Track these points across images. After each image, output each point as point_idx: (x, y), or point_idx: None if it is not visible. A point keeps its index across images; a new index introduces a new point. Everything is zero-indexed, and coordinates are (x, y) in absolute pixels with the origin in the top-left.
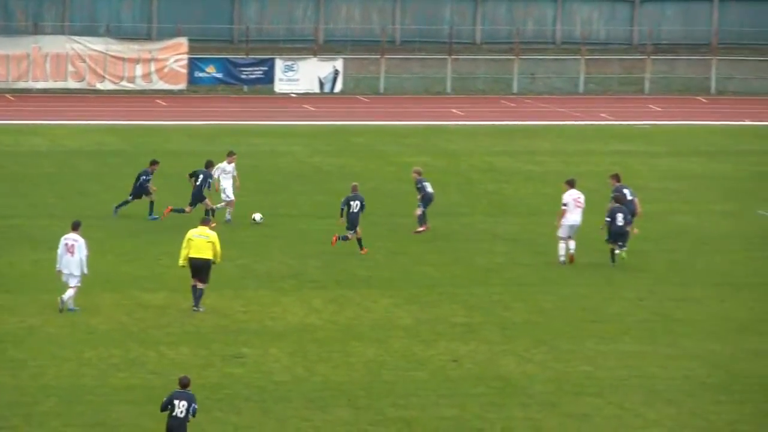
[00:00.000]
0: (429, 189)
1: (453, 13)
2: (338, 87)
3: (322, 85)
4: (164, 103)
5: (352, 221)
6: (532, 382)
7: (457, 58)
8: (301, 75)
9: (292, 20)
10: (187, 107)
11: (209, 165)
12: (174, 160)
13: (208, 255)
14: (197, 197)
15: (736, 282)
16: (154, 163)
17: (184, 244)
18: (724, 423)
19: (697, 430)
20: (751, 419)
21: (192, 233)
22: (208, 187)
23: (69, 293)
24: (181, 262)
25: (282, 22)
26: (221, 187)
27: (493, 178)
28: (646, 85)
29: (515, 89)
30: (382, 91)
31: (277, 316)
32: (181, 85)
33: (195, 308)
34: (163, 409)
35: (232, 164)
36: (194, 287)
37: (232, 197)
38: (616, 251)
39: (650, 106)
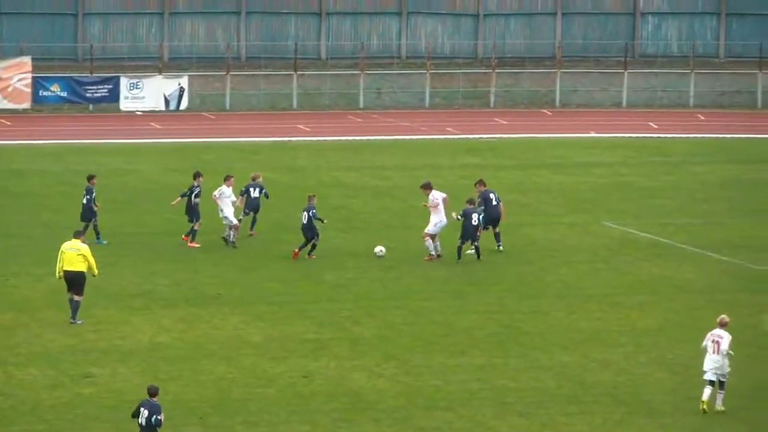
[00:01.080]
0: (253, 194)
1: (298, 28)
2: (184, 104)
3: (167, 102)
4: (8, 123)
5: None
6: (383, 397)
7: (303, 74)
8: (146, 93)
9: (137, 38)
10: (31, 126)
11: (197, 176)
12: (19, 180)
13: (80, 267)
14: (193, 210)
15: (583, 293)
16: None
17: (59, 257)
18: None
19: None
20: (601, 429)
21: (65, 246)
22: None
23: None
24: (57, 275)
25: (126, 39)
26: (220, 212)
27: (340, 194)
28: (492, 98)
29: (361, 104)
30: (228, 107)
31: (127, 335)
32: (26, 105)
33: (72, 321)
34: (133, 416)
35: (230, 188)
36: (71, 300)
37: (235, 221)
38: (469, 251)
39: (496, 119)
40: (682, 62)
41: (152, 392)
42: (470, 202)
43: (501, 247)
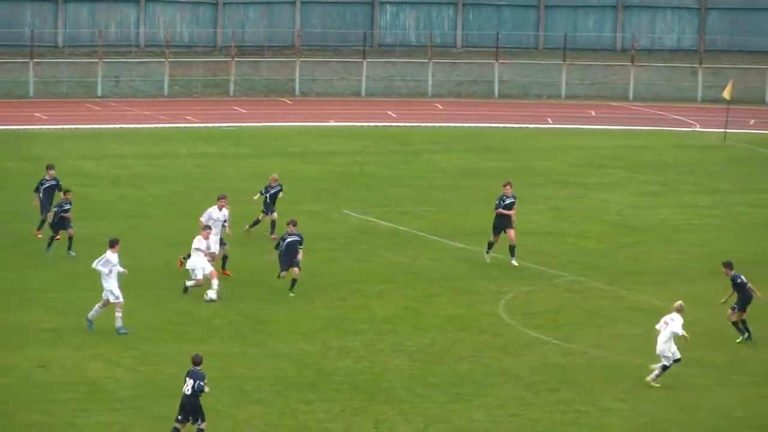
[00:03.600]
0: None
1: (34, 16)
2: None
3: None
4: None
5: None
6: (120, 386)
7: (40, 62)
8: None
9: None
10: None
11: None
12: None
13: None
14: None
15: (323, 282)
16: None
17: None
18: (315, 421)
19: (288, 430)
20: (340, 417)
21: None
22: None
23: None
24: None
25: None
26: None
27: (79, 182)
28: (231, 87)
29: (100, 92)
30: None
31: None
32: None
33: None
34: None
35: (224, 210)
36: None
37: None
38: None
39: (235, 108)
40: (420, 52)
41: (197, 361)
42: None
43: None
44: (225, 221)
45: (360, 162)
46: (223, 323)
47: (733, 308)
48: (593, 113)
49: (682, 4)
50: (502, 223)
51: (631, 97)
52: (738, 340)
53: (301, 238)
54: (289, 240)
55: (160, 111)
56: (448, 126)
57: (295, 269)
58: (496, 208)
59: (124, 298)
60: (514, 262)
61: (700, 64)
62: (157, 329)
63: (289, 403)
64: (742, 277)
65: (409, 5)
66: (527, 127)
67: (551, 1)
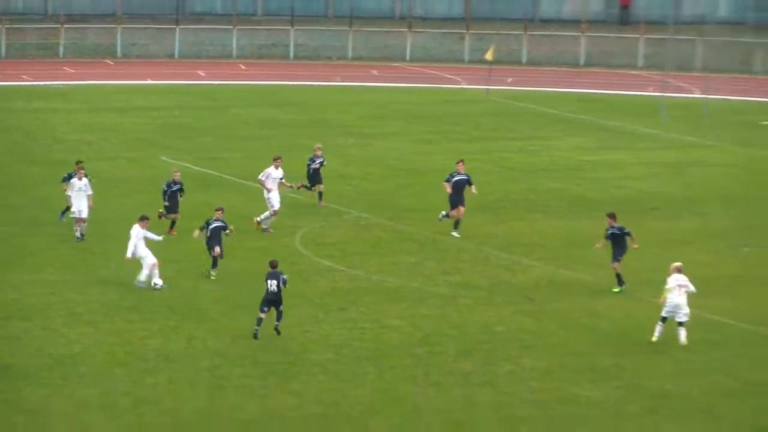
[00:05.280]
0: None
1: None
2: None
3: None
4: None
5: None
6: None
7: None
8: None
9: None
10: None
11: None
12: None
13: None
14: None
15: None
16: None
17: None
18: (137, 338)
19: (113, 345)
20: (158, 334)
21: None
22: None
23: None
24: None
25: None
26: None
27: None
28: (61, 50)
29: None
30: None
31: None
32: None
33: None
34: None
35: (279, 169)
36: None
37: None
38: None
39: (65, 68)
40: (225, 20)
41: (274, 265)
42: None
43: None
44: (281, 178)
45: (174, 115)
46: (58, 254)
47: (617, 260)
48: (376, 73)
49: None
50: (455, 199)
51: (408, 58)
52: (617, 290)
53: (225, 224)
54: (214, 225)
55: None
56: (250, 84)
57: (217, 249)
58: (446, 182)
59: None
60: (455, 234)
61: (467, 30)
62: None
63: (115, 323)
64: (625, 228)
65: None
66: (320, 85)
67: None
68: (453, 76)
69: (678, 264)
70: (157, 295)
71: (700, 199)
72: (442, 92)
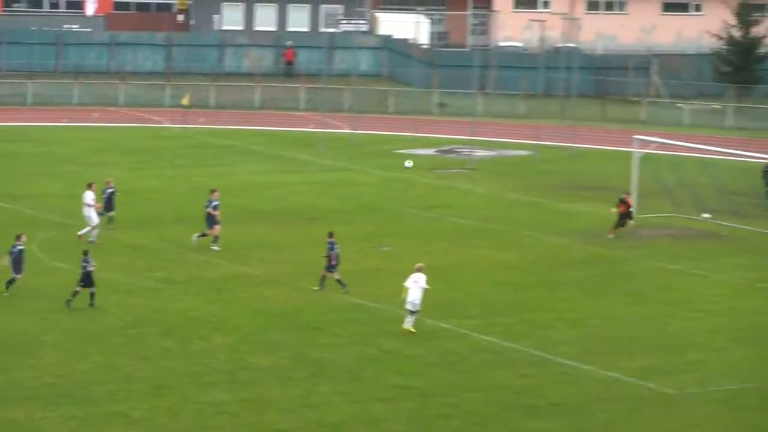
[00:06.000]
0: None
1: None
2: None
3: None
4: None
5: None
6: None
7: None
8: None
9: None
10: None
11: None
12: None
13: None
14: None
15: None
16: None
17: None
18: None
19: None
20: None
21: None
22: None
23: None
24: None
25: None
26: None
27: None
28: None
29: None
30: None
31: None
32: None
33: None
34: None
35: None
36: None
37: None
38: None
39: None
40: None
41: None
42: None
43: None
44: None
45: None
46: None
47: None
48: (96, 115)
49: (155, 41)
50: (211, 220)
51: (121, 104)
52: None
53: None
54: (18, 248)
55: None
56: None
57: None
58: (206, 208)
59: None
60: (215, 248)
61: (168, 81)
62: None
63: None
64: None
65: None
66: (51, 125)
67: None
68: (157, 118)
69: (420, 264)
70: None
71: (349, 210)
72: (148, 130)
